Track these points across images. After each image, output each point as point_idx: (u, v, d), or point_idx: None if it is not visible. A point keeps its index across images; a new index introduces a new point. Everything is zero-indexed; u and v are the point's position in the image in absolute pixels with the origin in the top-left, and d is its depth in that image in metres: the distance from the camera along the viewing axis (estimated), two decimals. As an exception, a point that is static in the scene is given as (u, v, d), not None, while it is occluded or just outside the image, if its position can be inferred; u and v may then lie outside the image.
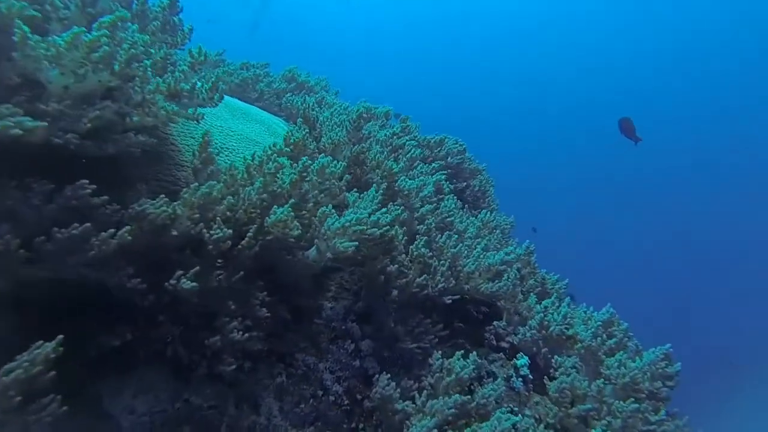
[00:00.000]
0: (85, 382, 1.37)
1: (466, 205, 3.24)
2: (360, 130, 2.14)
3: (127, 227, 1.31)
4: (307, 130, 2.31)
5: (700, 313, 17.44)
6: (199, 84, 1.96)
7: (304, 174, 1.73)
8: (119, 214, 1.36)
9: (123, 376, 1.43)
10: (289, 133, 2.29)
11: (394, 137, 2.37)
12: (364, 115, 3.22)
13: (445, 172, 2.96)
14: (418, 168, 2.82)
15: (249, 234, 1.51)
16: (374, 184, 1.96)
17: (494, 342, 2.29)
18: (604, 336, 2.03)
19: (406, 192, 2.10)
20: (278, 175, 1.74)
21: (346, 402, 1.83)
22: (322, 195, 1.83)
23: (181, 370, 1.51)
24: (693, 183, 23.93)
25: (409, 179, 2.30)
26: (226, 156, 2.08)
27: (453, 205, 2.47)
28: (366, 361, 1.97)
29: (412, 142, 2.70)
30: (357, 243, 1.61)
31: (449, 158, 3.31)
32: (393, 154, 2.38)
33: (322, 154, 2.15)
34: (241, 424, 1.55)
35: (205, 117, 2.11)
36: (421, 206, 2.06)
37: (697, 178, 24.10)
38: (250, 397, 1.64)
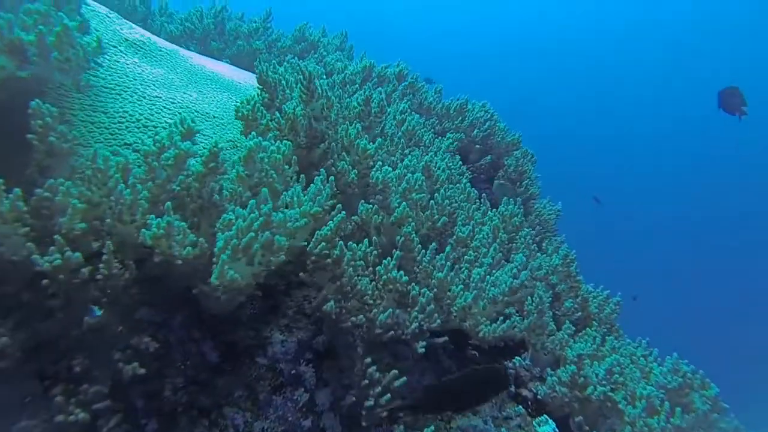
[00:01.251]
0: None
1: (490, 192, 2.56)
2: (314, 96, 1.54)
3: None
4: (260, 100, 1.76)
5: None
6: (84, 39, 1.47)
7: (214, 165, 1.20)
8: None
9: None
10: (241, 105, 1.75)
11: (378, 104, 1.74)
12: (367, 77, 2.59)
13: (455, 144, 2.28)
14: (427, 144, 2.17)
15: (104, 256, 1.02)
16: (321, 173, 1.38)
17: (512, 388, 1.69)
18: (676, 413, 1.36)
19: (380, 185, 1.51)
20: (183, 167, 1.23)
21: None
22: (249, 192, 1.29)
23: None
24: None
25: (395, 164, 1.69)
26: (149, 137, 1.59)
27: (460, 196, 1.84)
28: (323, 419, 1.47)
29: (403, 105, 2.02)
30: (263, 267, 1.08)
31: (475, 130, 2.61)
32: (370, 126, 1.76)
33: (272, 132, 1.60)
34: None
35: (133, 84, 1.65)
36: (399, 205, 1.46)
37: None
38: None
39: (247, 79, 2.51)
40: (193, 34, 3.49)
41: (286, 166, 1.46)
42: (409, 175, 1.52)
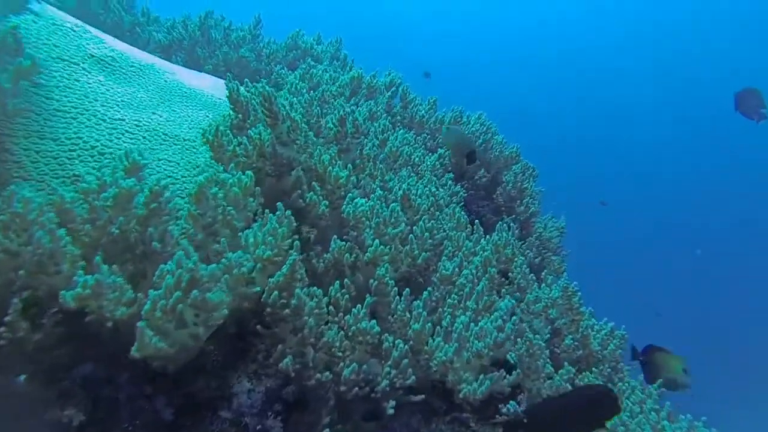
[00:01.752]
0: None
1: (485, 215, 2.40)
2: (277, 119, 1.40)
3: None
4: (229, 123, 1.62)
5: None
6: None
7: (156, 207, 1.06)
8: None
9: None
10: (208, 128, 1.62)
11: (353, 124, 1.58)
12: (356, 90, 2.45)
13: (445, 161, 2.12)
14: (416, 163, 2.02)
15: (8, 317, 0.89)
16: (279, 208, 1.23)
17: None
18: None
19: (352, 220, 1.36)
20: (127, 207, 1.09)
21: None
22: (203, 234, 1.15)
23: None
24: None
25: (374, 191, 1.53)
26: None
27: (448, 223, 1.68)
28: (287, 479, 1.33)
29: (383, 122, 1.86)
30: (201, 327, 0.93)
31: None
32: (347, 148, 1.61)
33: (240, 158, 1.46)
34: None
35: (93, 106, 1.49)
36: (373, 241, 1.30)
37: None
38: None
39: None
40: (181, 43, 3.38)
41: (250, 199, 1.33)
42: (381, 207, 1.37)
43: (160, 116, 1.79)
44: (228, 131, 1.58)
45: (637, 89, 22.54)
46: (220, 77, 3.23)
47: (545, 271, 2.02)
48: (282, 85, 2.97)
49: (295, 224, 1.24)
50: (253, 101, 1.60)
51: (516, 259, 1.79)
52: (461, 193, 2.26)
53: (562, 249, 2.72)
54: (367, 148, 1.68)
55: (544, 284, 1.94)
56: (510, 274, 1.92)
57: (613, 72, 23.17)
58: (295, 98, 1.79)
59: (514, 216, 2.48)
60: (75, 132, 1.45)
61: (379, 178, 1.60)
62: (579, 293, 1.90)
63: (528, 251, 2.39)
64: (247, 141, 1.48)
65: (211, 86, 2.43)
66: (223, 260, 1.08)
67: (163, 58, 3.42)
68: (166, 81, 2.07)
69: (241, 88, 1.77)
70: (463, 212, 1.87)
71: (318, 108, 1.75)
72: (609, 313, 1.97)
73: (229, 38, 3.37)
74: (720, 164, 20.94)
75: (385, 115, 1.99)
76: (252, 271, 1.13)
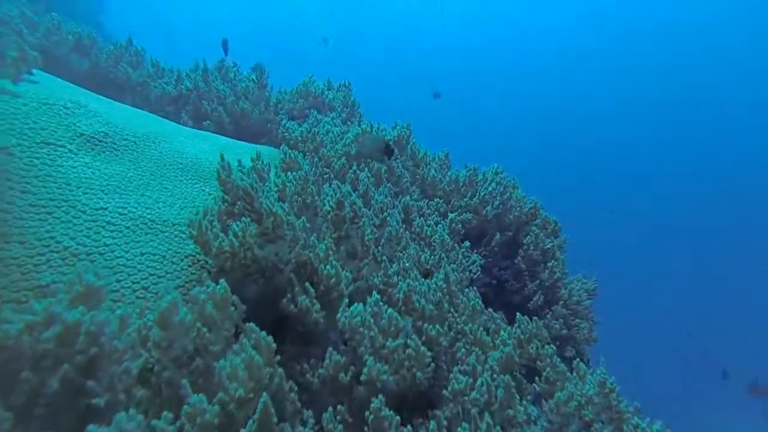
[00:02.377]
0: None
1: (507, 280, 2.17)
2: (261, 216, 1.24)
3: None
4: (217, 209, 1.48)
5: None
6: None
7: (96, 352, 0.90)
8: None
9: None
10: (191, 219, 1.48)
11: (351, 208, 1.41)
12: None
13: (460, 226, 1.92)
14: (429, 235, 1.83)
15: None
16: (249, 331, 1.06)
17: None
18: None
19: (348, 330, 1.17)
20: (73, 345, 0.94)
21: None
22: (172, 368, 0.99)
23: None
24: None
25: (375, 287, 1.35)
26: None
27: (461, 317, 1.47)
28: None
29: (381, 199, 1.67)
30: None
31: (487, 207, 2.24)
32: (347, 234, 1.44)
33: (224, 255, 1.31)
34: None
35: (74, 196, 1.32)
36: (369, 357, 1.10)
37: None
38: None
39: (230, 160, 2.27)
40: (188, 97, 3.34)
41: (232, 308, 1.17)
42: (379, 312, 1.19)
43: (149, 198, 1.68)
44: (215, 221, 1.44)
45: (640, 91, 22.27)
46: (225, 131, 3.17)
47: (576, 360, 1.77)
48: (289, 141, 2.87)
49: (274, 347, 1.06)
50: (245, 181, 1.46)
51: (543, 351, 1.55)
52: (478, 261, 2.06)
53: (591, 312, 2.46)
54: (368, 232, 1.51)
55: (576, 375, 1.69)
56: (538, 363, 1.69)
57: (612, 73, 22.96)
58: (290, 177, 1.64)
59: (538, 282, 2.25)
60: (48, 230, 1.33)
61: (382, 270, 1.41)
62: (617, 389, 1.64)
63: (554, 322, 2.15)
64: (233, 235, 1.34)
65: (211, 148, 2.33)
66: (186, 407, 0.91)
67: (171, 111, 3.40)
68: (160, 153, 1.97)
69: (234, 169, 1.64)
70: (477, 297, 1.66)
71: (313, 187, 1.59)
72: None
73: (235, 89, 3.32)
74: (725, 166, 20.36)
75: (385, 185, 1.82)
76: (222, 414, 0.95)
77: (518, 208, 2.33)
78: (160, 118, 2.66)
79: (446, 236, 1.84)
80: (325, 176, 2.10)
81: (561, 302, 2.23)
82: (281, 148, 2.52)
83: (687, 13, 20.84)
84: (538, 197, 2.50)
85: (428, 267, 1.82)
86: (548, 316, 2.20)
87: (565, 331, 2.15)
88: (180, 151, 2.06)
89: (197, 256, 1.54)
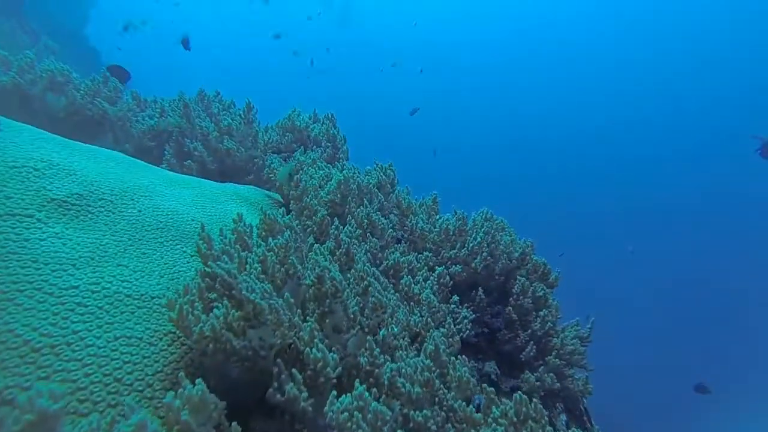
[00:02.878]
0: None
1: (499, 329, 2.13)
2: (242, 303, 1.18)
3: None
4: (197, 288, 1.41)
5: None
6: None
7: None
8: None
9: None
10: (169, 304, 1.40)
11: (332, 283, 1.36)
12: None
13: (448, 278, 1.88)
14: (416, 293, 1.78)
15: None
16: None
17: None
18: None
19: (334, 424, 1.11)
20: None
21: None
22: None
23: None
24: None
25: (362, 369, 1.29)
26: (37, 379, 1.24)
27: (450, 393, 1.42)
28: None
29: (361, 267, 1.61)
30: None
31: (476, 258, 2.19)
32: (330, 309, 1.38)
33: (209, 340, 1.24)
34: None
35: (40, 275, 1.21)
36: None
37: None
38: None
39: (212, 213, 2.20)
40: (170, 134, 3.26)
41: (211, 406, 1.10)
42: (358, 415, 1.13)
43: (126, 267, 1.59)
44: (196, 301, 1.36)
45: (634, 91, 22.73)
46: (208, 172, 3.09)
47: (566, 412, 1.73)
48: (274, 183, 2.81)
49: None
50: (223, 266, 1.39)
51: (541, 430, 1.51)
52: (468, 317, 2.02)
53: (585, 359, 2.43)
54: (352, 304, 1.45)
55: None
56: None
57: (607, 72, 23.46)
58: (271, 244, 1.58)
59: (530, 332, 2.21)
60: (6, 323, 1.24)
61: (368, 351, 1.36)
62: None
63: (546, 376, 2.11)
64: (214, 320, 1.27)
65: (193, 199, 2.25)
66: None
67: (154, 146, 3.31)
68: (139, 212, 1.89)
69: (215, 239, 1.57)
70: (465, 365, 1.61)
71: (294, 257, 1.53)
72: None
73: (220, 125, 3.25)
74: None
75: (365, 259, 1.76)
76: None
77: (507, 256, 2.30)
78: (141, 163, 2.57)
79: (433, 297, 1.80)
80: (308, 230, 2.05)
81: (554, 352, 2.19)
82: (262, 212, 2.49)
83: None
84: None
85: (417, 330, 1.77)
86: (541, 369, 2.16)
87: (557, 386, 2.12)
88: (160, 208, 1.98)
89: (178, 332, 1.46)
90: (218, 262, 1.31)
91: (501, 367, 2.25)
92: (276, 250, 1.61)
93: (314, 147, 3.38)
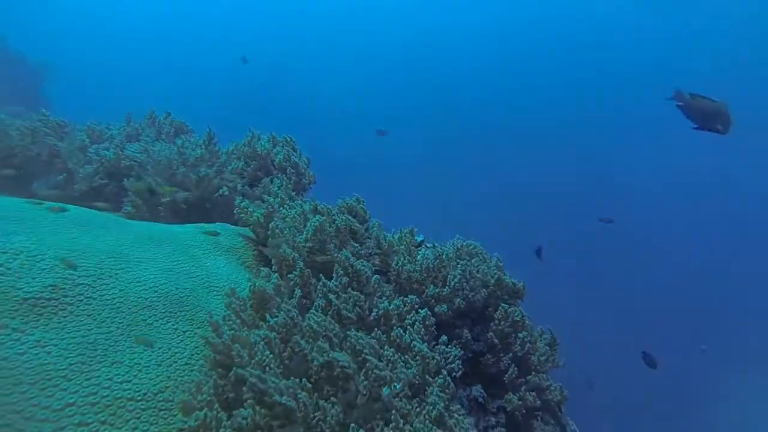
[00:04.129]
0: None
1: (483, 353, 2.29)
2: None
3: None
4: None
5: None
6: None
7: None
8: None
9: None
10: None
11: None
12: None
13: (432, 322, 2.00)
14: (407, 343, 1.88)
15: None
16: None
17: None
18: None
19: None
20: None
21: None
22: None
23: None
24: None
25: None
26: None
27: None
28: None
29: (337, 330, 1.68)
30: None
31: (457, 299, 2.31)
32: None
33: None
34: None
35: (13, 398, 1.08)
36: None
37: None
38: None
39: (196, 276, 2.13)
40: (131, 168, 3.09)
41: None
42: None
43: (122, 364, 1.53)
44: (212, 400, 1.38)
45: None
46: (179, 211, 2.97)
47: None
48: (246, 223, 2.74)
49: None
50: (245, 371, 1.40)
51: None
52: (457, 355, 2.15)
53: (557, 362, 2.64)
54: (361, 381, 1.52)
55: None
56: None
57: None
58: (272, 323, 1.61)
59: (511, 354, 2.39)
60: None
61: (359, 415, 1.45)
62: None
63: (528, 396, 2.31)
64: (241, 419, 1.30)
65: (172, 260, 2.17)
66: None
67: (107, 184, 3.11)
68: (121, 291, 1.80)
69: (225, 331, 1.56)
70: (463, 415, 1.74)
71: (300, 338, 1.57)
72: None
73: (186, 160, 3.07)
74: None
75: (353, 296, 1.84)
76: None
77: (483, 288, 2.43)
78: (106, 217, 2.42)
79: (425, 348, 1.90)
80: (291, 282, 2.07)
81: (533, 371, 2.39)
82: (242, 263, 2.47)
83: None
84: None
85: (415, 381, 1.87)
86: (523, 388, 2.35)
87: (538, 402, 2.32)
88: (141, 281, 1.91)
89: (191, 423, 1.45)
90: (248, 369, 1.33)
91: (487, 390, 2.42)
92: (278, 329, 1.63)
93: (278, 173, 3.32)
